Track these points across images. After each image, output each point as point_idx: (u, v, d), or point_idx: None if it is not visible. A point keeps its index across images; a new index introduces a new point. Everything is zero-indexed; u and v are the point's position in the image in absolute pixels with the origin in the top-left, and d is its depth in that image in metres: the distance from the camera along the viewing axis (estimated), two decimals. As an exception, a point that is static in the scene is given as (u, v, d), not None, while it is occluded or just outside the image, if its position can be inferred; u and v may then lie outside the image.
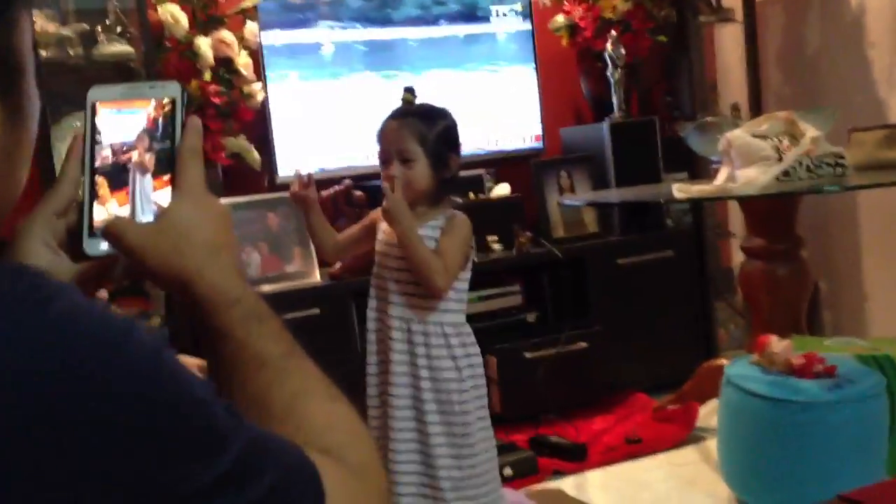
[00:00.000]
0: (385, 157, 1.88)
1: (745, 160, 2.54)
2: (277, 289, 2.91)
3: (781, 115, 2.61)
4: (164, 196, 0.70)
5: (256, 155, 3.13)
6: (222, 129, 3.05)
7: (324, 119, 3.26)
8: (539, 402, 3.01)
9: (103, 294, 1.78)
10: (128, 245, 0.66)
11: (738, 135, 2.57)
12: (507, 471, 2.61)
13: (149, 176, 0.72)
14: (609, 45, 3.46)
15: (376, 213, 1.98)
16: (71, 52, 2.76)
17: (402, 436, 1.91)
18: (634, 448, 2.80)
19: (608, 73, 3.50)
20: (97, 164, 0.71)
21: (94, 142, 0.71)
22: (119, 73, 2.85)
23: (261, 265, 2.97)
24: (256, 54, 3.15)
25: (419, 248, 1.83)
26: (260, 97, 3.14)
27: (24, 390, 0.45)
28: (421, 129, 1.86)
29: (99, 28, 2.78)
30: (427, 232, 1.89)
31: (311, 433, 0.61)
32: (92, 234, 0.69)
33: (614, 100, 3.52)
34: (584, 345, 3.16)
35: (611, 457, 2.76)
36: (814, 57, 3.59)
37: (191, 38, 2.93)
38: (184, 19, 2.89)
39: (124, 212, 0.70)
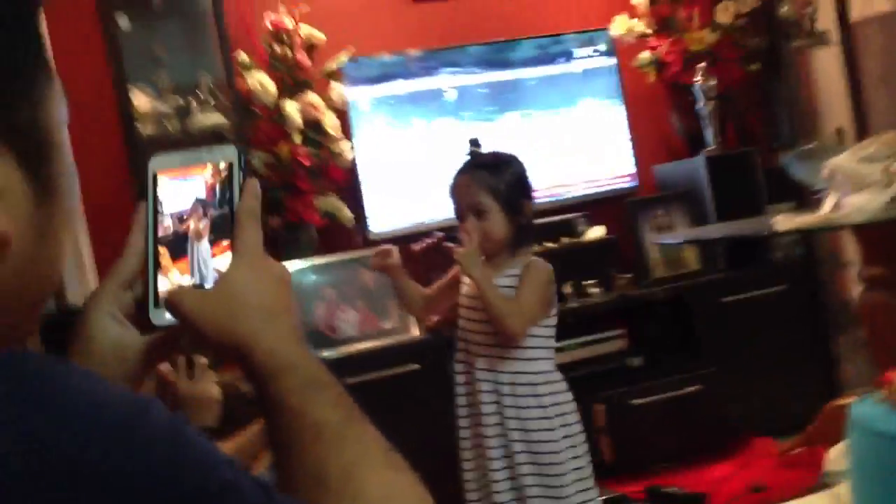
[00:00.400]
0: (460, 213, 1.89)
1: (852, 187, 2.40)
2: (375, 345, 2.90)
3: (889, 137, 2.47)
4: (223, 262, 0.68)
5: (349, 213, 3.16)
6: (314, 189, 3.10)
7: (415, 172, 3.26)
8: (652, 450, 2.89)
9: (203, 360, 1.78)
10: (184, 313, 0.64)
11: (843, 161, 2.44)
12: (621, 525, 2.50)
13: (206, 243, 0.71)
14: (698, 78, 3.38)
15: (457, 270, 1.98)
16: (169, 127, 2.86)
17: (498, 487, 1.87)
18: (759, 496, 2.64)
19: (699, 107, 3.41)
20: (160, 234, 0.71)
21: (157, 211, 0.71)
22: (214, 142, 2.93)
23: (358, 323, 2.97)
24: (344, 113, 3.19)
25: (492, 295, 1.84)
26: (349, 156, 3.18)
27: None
28: (490, 181, 1.87)
29: (193, 101, 2.87)
30: (505, 281, 1.89)
31: None
32: (157, 304, 0.69)
33: (708, 133, 3.42)
34: (695, 388, 3.02)
35: (733, 507, 2.61)
36: (919, 73, 3.41)
37: (279, 103, 2.99)
38: (271, 86, 2.96)
39: (186, 280, 0.69)
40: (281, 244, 3.08)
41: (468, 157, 1.98)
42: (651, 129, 3.67)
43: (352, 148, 3.19)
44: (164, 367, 1.52)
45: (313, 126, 3.10)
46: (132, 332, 0.69)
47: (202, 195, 0.72)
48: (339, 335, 2.94)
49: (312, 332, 2.91)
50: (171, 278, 0.69)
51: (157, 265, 0.70)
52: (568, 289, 3.13)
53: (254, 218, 0.67)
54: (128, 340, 0.68)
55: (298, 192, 3.07)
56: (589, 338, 3.12)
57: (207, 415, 1.58)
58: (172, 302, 0.65)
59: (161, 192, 0.71)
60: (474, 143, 2.02)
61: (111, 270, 0.69)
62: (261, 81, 2.92)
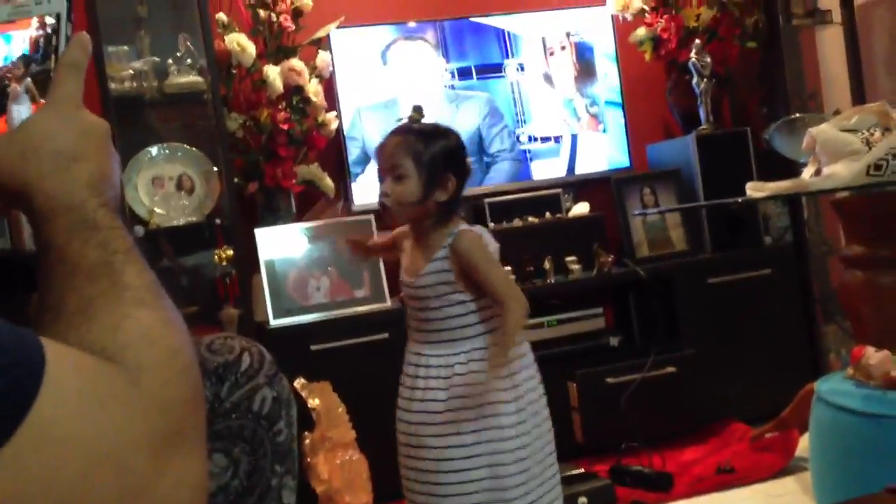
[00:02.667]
0: (381, 174, 1.81)
1: (832, 156, 2.31)
2: (347, 314, 2.86)
3: (873, 107, 2.38)
4: None
5: (329, 182, 3.13)
6: (295, 156, 3.07)
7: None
8: (624, 431, 2.81)
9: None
10: None
11: (824, 129, 2.35)
12: (582, 500, 2.43)
13: (26, 100, 0.69)
14: (693, 55, 3.29)
15: (397, 234, 1.94)
16: (145, 85, 2.84)
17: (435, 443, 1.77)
18: (726, 478, 2.56)
19: (694, 84, 3.33)
20: None
21: None
22: (191, 102, 2.91)
23: (330, 290, 2.94)
24: (330, 82, 3.16)
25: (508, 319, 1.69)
26: (334, 125, 3.14)
27: None
28: (417, 147, 1.77)
29: (170, 61, 2.86)
30: (437, 267, 1.77)
31: (92, 334, 0.54)
32: None
33: (701, 111, 3.34)
34: (672, 369, 2.94)
35: (699, 488, 2.53)
36: (926, 57, 3.30)
37: (260, 66, 2.97)
38: (251, 48, 2.94)
39: None
40: (258, 209, 3.06)
41: (405, 122, 1.88)
42: (648, 109, 3.60)
43: (337, 118, 3.16)
44: None
45: (297, 92, 3.08)
46: None
47: (26, 50, 0.70)
48: (312, 302, 2.90)
49: (284, 297, 2.88)
50: None
51: None
52: (548, 265, 3.07)
53: (75, 69, 0.66)
54: None
55: (278, 158, 3.04)
56: (568, 315, 3.05)
57: None
58: None
59: None
60: (417, 109, 1.91)
61: None
62: (238, 42, 2.90)
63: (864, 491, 1.91)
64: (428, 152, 1.77)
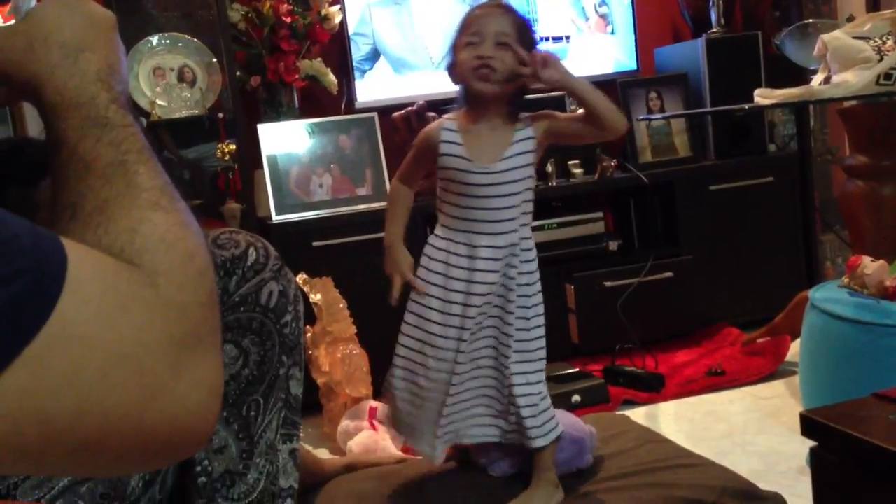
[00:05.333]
0: (478, 39, 1.62)
1: (843, 64, 2.29)
2: (349, 211, 2.87)
3: (886, 15, 2.34)
4: None
5: (332, 78, 3.09)
6: (298, 50, 3.02)
7: (401, 44, 3.17)
8: (619, 333, 2.86)
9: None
10: None
11: (836, 36, 2.32)
12: (575, 398, 2.50)
13: None
14: (707, -45, 3.21)
15: (426, 133, 1.73)
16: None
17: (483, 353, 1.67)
18: (716, 380, 2.63)
19: (706, -14, 3.25)
20: None
21: None
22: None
23: (332, 188, 2.94)
24: (333, -25, 3.08)
25: (596, 96, 1.59)
26: (337, 19, 3.09)
27: None
28: (522, 24, 1.65)
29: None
30: (519, 148, 1.63)
31: (110, 235, 0.54)
32: None
33: (713, 14, 3.27)
34: (669, 274, 2.98)
35: (689, 389, 2.60)
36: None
37: (261, -44, 2.89)
38: (253, -63, 2.86)
39: None
40: (260, 104, 3.03)
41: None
42: (658, 10, 3.52)
43: (340, 11, 3.10)
44: None
45: (300, -16, 3.01)
46: None
47: None
48: (314, 199, 2.91)
49: (287, 194, 2.89)
50: None
51: None
52: (551, 168, 3.06)
53: None
54: None
55: (280, 52, 2.99)
56: (568, 218, 3.07)
57: None
58: None
59: None
60: None
61: None
62: (240, -70, 2.82)
63: (850, 396, 1.97)
64: (528, 35, 1.65)
